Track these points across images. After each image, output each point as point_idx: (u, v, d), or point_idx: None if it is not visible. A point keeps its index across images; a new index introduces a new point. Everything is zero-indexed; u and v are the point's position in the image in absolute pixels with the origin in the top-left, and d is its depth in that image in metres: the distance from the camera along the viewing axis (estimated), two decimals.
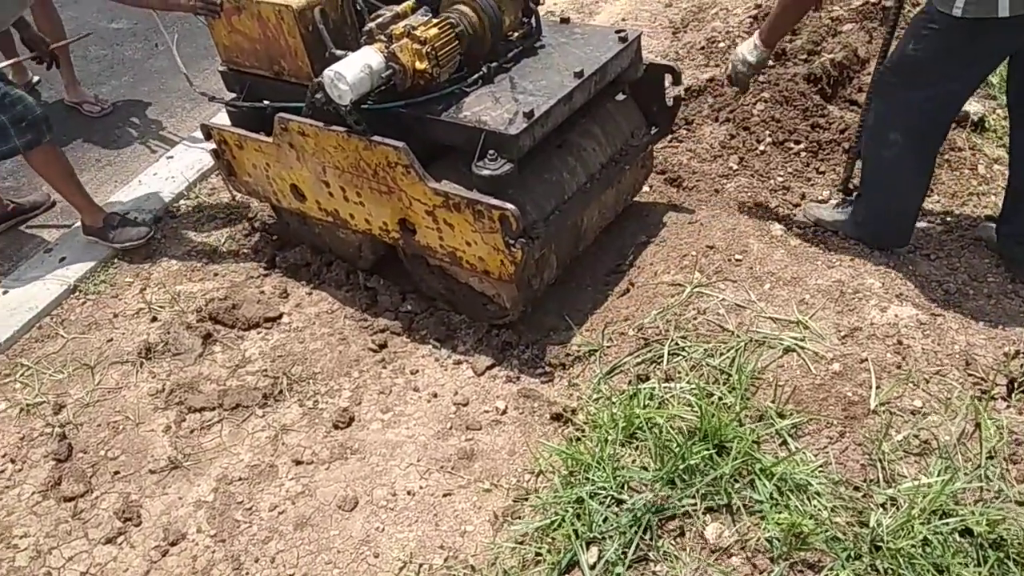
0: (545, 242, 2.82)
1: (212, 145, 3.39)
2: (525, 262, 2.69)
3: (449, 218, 2.75)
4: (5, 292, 3.56)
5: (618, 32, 3.06)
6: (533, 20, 3.08)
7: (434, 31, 2.69)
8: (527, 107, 2.64)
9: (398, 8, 2.84)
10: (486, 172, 2.60)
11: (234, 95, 3.32)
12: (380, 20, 2.79)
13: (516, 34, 3.02)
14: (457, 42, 2.77)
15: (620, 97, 3.30)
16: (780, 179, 3.55)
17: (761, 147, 3.71)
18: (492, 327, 3.12)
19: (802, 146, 3.68)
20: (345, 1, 2.90)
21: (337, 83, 2.60)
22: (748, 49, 3.04)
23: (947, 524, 2.09)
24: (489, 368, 2.98)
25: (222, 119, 3.54)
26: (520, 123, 2.60)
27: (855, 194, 3.22)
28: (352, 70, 2.59)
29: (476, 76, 2.87)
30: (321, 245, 3.57)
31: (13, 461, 2.83)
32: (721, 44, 4.46)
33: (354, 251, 3.41)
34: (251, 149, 3.23)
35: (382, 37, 2.72)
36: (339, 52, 2.79)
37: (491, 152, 2.62)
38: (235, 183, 3.52)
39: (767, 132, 3.75)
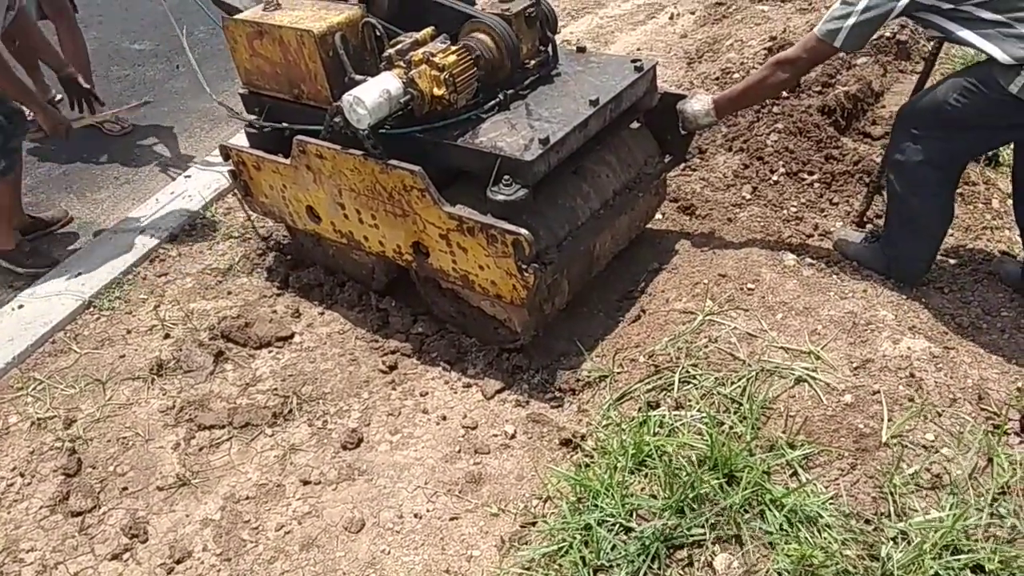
0: (558, 267, 2.83)
1: (230, 166, 3.43)
2: (537, 287, 2.70)
3: (463, 242, 2.77)
4: (21, 306, 3.59)
5: (634, 61, 3.08)
6: (550, 48, 3.11)
7: (453, 58, 2.72)
8: (543, 134, 2.67)
9: (417, 35, 2.87)
10: (501, 197, 2.62)
11: (253, 117, 3.36)
12: (399, 46, 2.82)
13: (533, 62, 3.05)
14: (475, 69, 2.79)
15: (635, 125, 3.33)
16: (793, 209, 3.55)
17: (775, 177, 3.72)
18: (502, 351, 3.12)
19: (815, 177, 3.69)
20: (365, 26, 2.94)
21: (356, 107, 2.63)
22: (703, 112, 3.13)
23: (959, 560, 2.06)
24: (499, 392, 2.98)
25: (241, 141, 3.57)
26: (535, 149, 2.63)
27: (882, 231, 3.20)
28: (371, 95, 2.62)
29: (493, 103, 2.89)
30: (335, 266, 3.59)
31: (22, 475, 2.84)
32: (736, 75, 4.48)
33: (367, 273, 3.43)
34: (268, 170, 3.26)
35: (401, 63, 2.76)
36: (358, 77, 2.83)
37: (506, 177, 2.64)
38: (252, 203, 3.55)
39: (781, 162, 3.76)
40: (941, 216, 2.97)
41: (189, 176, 4.48)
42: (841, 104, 4.01)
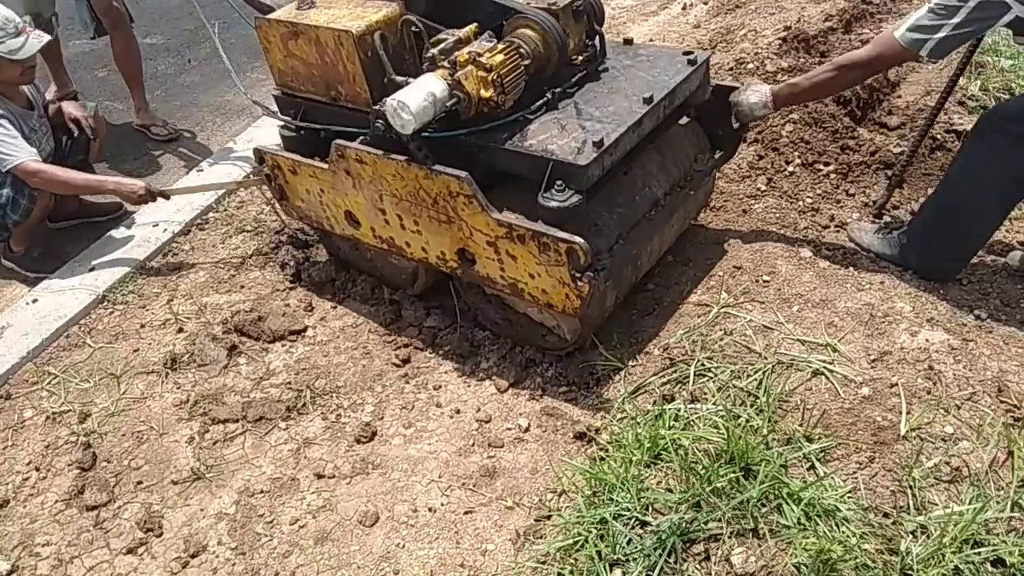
0: (610, 274, 2.70)
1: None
2: (592, 296, 2.58)
3: (512, 249, 2.64)
4: (35, 300, 3.60)
5: (686, 54, 2.92)
6: (597, 42, 2.94)
7: (500, 57, 2.58)
8: (596, 135, 2.52)
9: (460, 33, 2.73)
10: (553, 204, 2.47)
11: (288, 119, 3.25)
12: (442, 45, 2.68)
13: (580, 57, 2.90)
14: (523, 68, 2.66)
15: (683, 120, 3.17)
16: (809, 200, 3.52)
17: (790, 168, 3.69)
18: (515, 344, 3.11)
19: (831, 168, 3.65)
20: (404, 24, 2.82)
21: (400, 112, 2.49)
22: (760, 104, 3.00)
23: (979, 554, 2.04)
24: (512, 385, 2.97)
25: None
26: (589, 153, 2.48)
27: (908, 223, 3.14)
28: (415, 99, 2.48)
29: (540, 102, 2.75)
30: (373, 272, 3.50)
31: (38, 469, 2.85)
32: (750, 65, 4.44)
33: (408, 278, 3.33)
34: (305, 175, 3.15)
35: (445, 63, 2.61)
36: (399, 78, 2.71)
37: (558, 183, 2.49)
38: (287, 208, 3.45)
39: (796, 153, 3.73)
40: (993, 227, 2.92)
41: (202, 170, 4.48)
42: (856, 94, 3.97)
